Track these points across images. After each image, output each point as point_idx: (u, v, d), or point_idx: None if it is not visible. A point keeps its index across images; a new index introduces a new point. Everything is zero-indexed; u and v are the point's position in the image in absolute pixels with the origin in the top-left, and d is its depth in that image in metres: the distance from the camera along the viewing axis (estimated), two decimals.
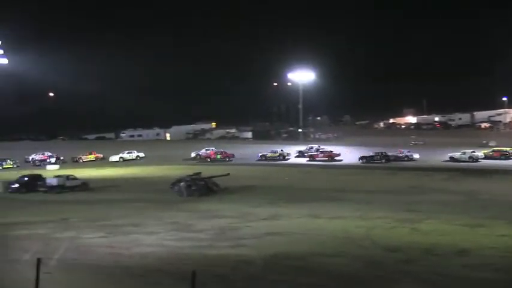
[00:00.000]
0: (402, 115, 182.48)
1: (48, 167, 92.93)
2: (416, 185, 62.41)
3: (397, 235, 32.21)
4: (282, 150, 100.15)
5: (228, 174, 64.51)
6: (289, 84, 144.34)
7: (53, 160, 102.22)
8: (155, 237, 33.64)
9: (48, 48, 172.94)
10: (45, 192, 63.68)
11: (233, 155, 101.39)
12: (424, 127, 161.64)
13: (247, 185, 63.40)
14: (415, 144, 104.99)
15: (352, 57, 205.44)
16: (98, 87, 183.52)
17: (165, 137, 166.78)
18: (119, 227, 37.80)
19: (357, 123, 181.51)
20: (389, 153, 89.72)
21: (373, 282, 22.03)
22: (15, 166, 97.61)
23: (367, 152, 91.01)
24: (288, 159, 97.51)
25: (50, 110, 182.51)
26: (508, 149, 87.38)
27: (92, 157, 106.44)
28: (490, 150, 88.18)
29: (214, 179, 61.12)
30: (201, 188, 57.95)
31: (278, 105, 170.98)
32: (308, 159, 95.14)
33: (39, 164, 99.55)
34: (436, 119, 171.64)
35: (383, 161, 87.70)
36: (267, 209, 45.71)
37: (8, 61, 78.90)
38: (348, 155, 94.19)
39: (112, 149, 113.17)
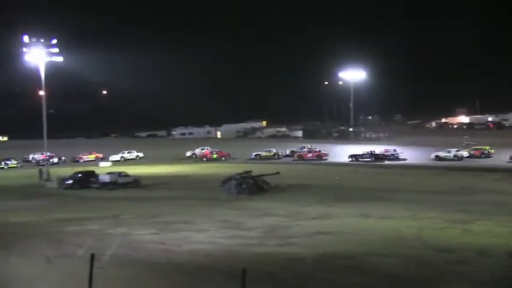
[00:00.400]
0: (455, 115, 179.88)
1: (101, 164, 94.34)
2: (467, 185, 61.47)
3: (448, 236, 31.79)
4: (276, 150, 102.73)
5: (278, 173, 64.57)
6: (340, 83, 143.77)
7: (55, 160, 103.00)
8: (205, 234, 33.88)
9: (102, 47, 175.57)
10: (98, 188, 64.65)
11: (229, 154, 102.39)
12: (477, 127, 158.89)
13: (297, 184, 63.28)
14: (468, 144, 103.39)
15: (404, 56, 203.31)
16: (151, 85, 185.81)
17: (216, 135, 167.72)
18: (170, 224, 38.19)
19: (409, 122, 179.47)
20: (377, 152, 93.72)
21: (424, 282, 21.83)
22: (19, 166, 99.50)
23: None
24: (281, 158, 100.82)
25: (103, 107, 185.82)
26: (487, 147, 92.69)
27: (92, 157, 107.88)
28: (471, 149, 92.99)
29: (264, 177, 61.23)
30: (251, 186, 58.08)
31: (329, 104, 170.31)
32: (296, 158, 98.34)
33: (43, 163, 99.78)
34: (490, 119, 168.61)
35: (372, 159, 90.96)
36: (317, 207, 45.59)
37: (63, 59, 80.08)
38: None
39: (165, 147, 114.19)
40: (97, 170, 74.34)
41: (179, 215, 42.64)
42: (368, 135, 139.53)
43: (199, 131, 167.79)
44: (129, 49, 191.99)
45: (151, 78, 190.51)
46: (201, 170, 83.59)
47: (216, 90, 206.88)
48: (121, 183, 65.85)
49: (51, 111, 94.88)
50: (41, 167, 79.55)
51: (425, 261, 25.01)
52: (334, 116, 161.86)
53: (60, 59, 79.79)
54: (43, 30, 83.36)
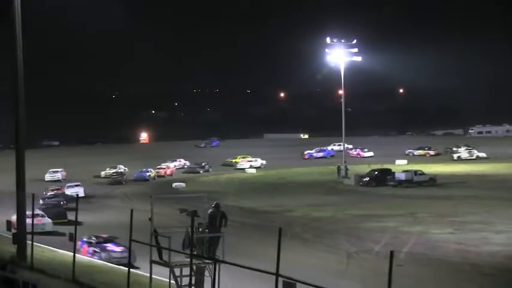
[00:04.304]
0: None
1: (398, 161, 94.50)
2: None
3: None
4: None
5: None
6: None
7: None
8: (505, 236, 33.04)
9: (398, 45, 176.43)
10: (394, 186, 65.32)
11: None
12: None
13: None
14: None
15: None
16: (449, 82, 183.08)
17: None
18: (466, 223, 37.78)
19: None
20: None
21: None
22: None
23: None
24: None
25: (401, 105, 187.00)
26: None
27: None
28: None
29: None
30: None
31: None
32: None
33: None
34: None
35: None
36: None
37: (362, 59, 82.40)
38: None
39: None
40: (393, 168, 75.05)
41: (476, 214, 41.86)
42: None
43: (497, 130, 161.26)
44: (425, 46, 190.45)
45: (450, 75, 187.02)
46: (501, 169, 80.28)
47: None
48: (416, 181, 65.95)
49: (349, 109, 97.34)
50: (339, 164, 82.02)
51: None
52: None
53: (359, 58, 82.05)
54: (344, 31, 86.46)
